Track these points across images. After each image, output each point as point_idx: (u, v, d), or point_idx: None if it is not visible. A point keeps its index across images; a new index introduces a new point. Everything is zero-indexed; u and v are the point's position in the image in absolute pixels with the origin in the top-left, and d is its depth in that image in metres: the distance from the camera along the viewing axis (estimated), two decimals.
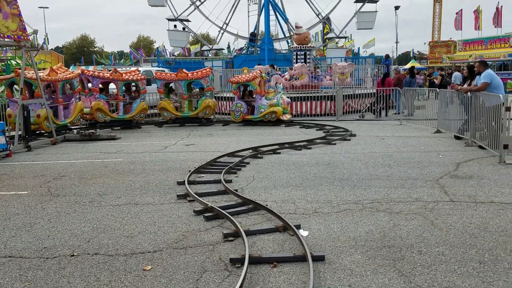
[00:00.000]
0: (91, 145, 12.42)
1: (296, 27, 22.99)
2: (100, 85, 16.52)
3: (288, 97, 17.29)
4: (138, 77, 16.62)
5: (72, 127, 15.57)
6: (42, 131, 14.05)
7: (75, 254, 4.76)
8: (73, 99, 15.45)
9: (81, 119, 16.46)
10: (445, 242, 4.86)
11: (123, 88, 16.60)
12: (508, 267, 4.21)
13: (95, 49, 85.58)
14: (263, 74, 16.97)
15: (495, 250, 4.60)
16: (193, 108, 16.95)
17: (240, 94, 16.85)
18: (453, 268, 4.21)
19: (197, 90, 17.79)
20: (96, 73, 16.44)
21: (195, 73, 16.99)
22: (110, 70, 16.96)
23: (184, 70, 17.20)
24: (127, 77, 16.41)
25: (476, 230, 5.20)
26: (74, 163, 9.80)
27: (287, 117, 16.56)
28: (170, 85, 17.65)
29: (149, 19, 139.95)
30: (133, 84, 16.93)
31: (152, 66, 27.67)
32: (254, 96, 16.51)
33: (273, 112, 16.04)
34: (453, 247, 4.72)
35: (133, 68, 20.62)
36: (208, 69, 17.20)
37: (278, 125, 16.07)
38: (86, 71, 16.55)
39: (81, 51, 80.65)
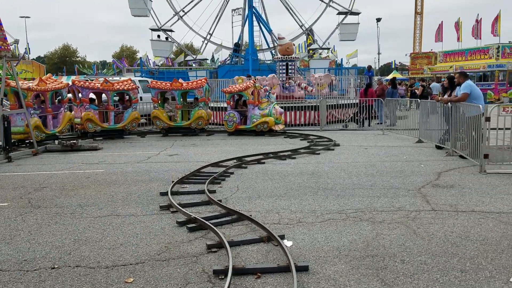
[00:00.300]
0: (72, 156, 12.28)
1: (279, 38, 23.15)
2: (93, 95, 16.56)
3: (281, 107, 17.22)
4: (130, 87, 16.52)
5: (63, 137, 15.46)
6: (31, 140, 13.89)
7: (56, 266, 4.69)
8: (62, 109, 15.45)
9: (76, 129, 16.46)
10: (427, 251, 4.90)
11: (114, 98, 16.53)
12: (490, 276, 4.25)
13: (78, 59, 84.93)
14: (257, 84, 16.86)
15: (477, 259, 4.65)
16: (188, 118, 16.90)
17: (234, 104, 16.85)
18: (435, 277, 4.25)
19: (192, 100, 17.73)
20: (85, 83, 16.33)
21: (190, 83, 16.97)
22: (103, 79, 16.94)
23: (180, 80, 17.21)
24: (118, 87, 16.33)
25: (458, 239, 5.25)
26: (55, 174, 9.68)
27: (279, 127, 16.47)
28: (166, 94, 17.61)
29: (132, 29, 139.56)
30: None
31: (135, 76, 27.50)
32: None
33: (265, 122, 15.99)
34: (435, 256, 4.76)
35: (125, 78, 20.59)
36: (203, 80, 17.14)
37: (263, 135, 16.04)
38: (76, 81, 16.43)
39: (63, 61, 80.00)
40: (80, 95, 16.26)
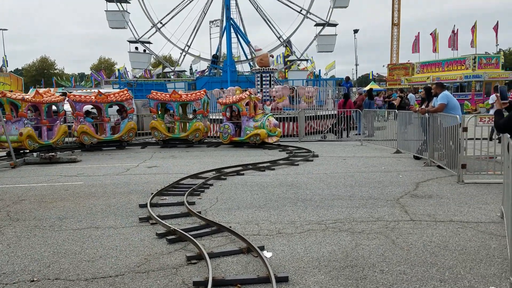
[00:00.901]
0: (51, 168, 12.11)
1: (256, 49, 23.31)
2: (91, 108, 16.88)
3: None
4: (124, 97, 16.52)
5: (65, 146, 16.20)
6: (25, 150, 14.52)
7: (35, 279, 4.61)
8: (57, 121, 15.84)
9: (76, 141, 16.58)
10: (406, 261, 4.94)
11: (109, 109, 16.57)
12: (469, 285, 4.31)
13: (56, 71, 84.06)
14: (253, 95, 16.56)
15: (455, 268, 4.71)
16: (186, 130, 16.82)
17: (229, 115, 16.63)
18: (414, 287, 4.29)
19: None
20: (79, 97, 16.29)
21: (188, 95, 16.90)
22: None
23: (180, 91, 17.19)
24: (112, 98, 16.38)
25: (437, 248, 5.32)
26: (34, 187, 9.53)
27: (273, 139, 16.04)
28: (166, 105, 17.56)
29: (110, 41, 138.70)
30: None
31: (113, 88, 27.35)
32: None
33: (257, 134, 15.70)
34: (414, 265, 4.80)
35: (115, 90, 20.67)
36: (202, 92, 17.09)
37: (259, 147, 15.85)
38: (72, 95, 16.49)
39: (41, 73, 79.16)
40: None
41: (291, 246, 5.46)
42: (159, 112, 16.95)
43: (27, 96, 14.87)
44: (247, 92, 16.86)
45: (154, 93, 16.95)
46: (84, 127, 15.80)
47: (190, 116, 17.32)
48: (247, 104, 16.11)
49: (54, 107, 16.22)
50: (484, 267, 4.74)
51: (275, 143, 16.04)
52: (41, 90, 16.24)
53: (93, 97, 16.18)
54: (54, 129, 15.71)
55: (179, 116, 16.93)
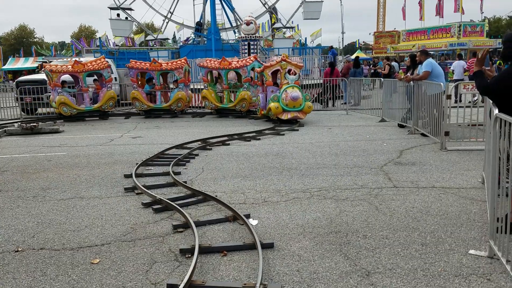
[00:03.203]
0: (33, 139, 11.99)
1: (247, 23, 22.85)
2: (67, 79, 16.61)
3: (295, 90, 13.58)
4: (101, 65, 16.20)
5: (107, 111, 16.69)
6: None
7: (19, 249, 4.61)
8: (104, 88, 16.33)
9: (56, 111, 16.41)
10: (389, 226, 5.03)
11: (86, 78, 16.35)
12: (449, 248, 4.41)
13: (35, 40, 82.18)
14: (283, 62, 13.74)
15: (437, 233, 4.81)
16: (168, 100, 16.56)
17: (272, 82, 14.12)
18: (396, 251, 4.38)
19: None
20: (56, 67, 16.00)
21: (169, 64, 16.56)
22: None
23: (161, 60, 16.87)
24: (88, 67, 16.03)
25: (419, 214, 5.41)
26: (16, 158, 9.44)
27: (289, 116, 13.44)
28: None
29: (91, 9, 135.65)
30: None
31: (94, 57, 26.84)
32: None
33: (269, 109, 13.71)
34: (397, 230, 4.90)
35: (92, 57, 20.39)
36: (183, 60, 16.74)
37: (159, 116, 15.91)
38: (48, 65, 16.31)
39: (20, 42, 77.27)
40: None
41: (277, 214, 5.52)
42: (139, 82, 16.68)
43: (55, 67, 15.83)
44: (281, 58, 14.08)
45: (133, 62, 16.67)
46: (63, 98, 15.64)
47: (171, 86, 17.11)
48: (275, 72, 13.98)
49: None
50: (464, 231, 4.84)
51: (294, 119, 13.48)
52: (83, 60, 17.07)
53: (70, 66, 15.93)
54: (100, 95, 16.29)
55: (160, 86, 16.65)
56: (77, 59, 17.87)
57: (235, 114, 16.14)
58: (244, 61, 16.14)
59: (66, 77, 16.47)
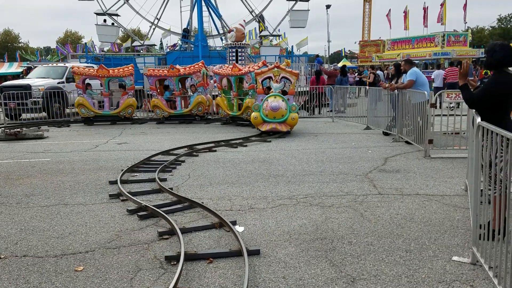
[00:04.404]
0: (17, 145, 11.86)
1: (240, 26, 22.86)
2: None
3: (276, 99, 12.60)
4: (124, 73, 16.36)
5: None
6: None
7: (2, 256, 4.55)
8: (126, 96, 16.51)
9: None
10: (373, 232, 5.07)
11: (108, 84, 16.51)
12: (433, 255, 4.45)
13: (20, 45, 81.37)
14: (275, 69, 13.06)
15: (421, 239, 4.86)
16: (188, 105, 16.47)
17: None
18: (381, 257, 4.41)
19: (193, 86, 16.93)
20: (79, 69, 16.36)
21: (187, 68, 16.46)
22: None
23: (177, 66, 16.81)
24: (112, 73, 16.30)
25: (403, 220, 5.46)
26: None
27: (266, 127, 12.63)
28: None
29: (77, 14, 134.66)
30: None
31: (80, 62, 26.68)
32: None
33: (254, 117, 12.91)
34: (381, 237, 4.93)
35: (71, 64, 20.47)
36: (200, 64, 16.59)
37: (214, 122, 15.88)
38: (75, 68, 16.59)
39: (4, 47, 76.43)
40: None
41: (263, 221, 5.53)
42: (158, 90, 16.56)
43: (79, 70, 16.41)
44: (275, 64, 13.56)
45: (151, 70, 16.64)
46: (81, 99, 16.10)
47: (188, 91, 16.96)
48: (265, 79, 13.32)
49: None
50: (448, 237, 4.90)
51: (268, 130, 12.60)
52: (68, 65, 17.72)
53: (95, 70, 16.33)
54: (120, 101, 16.55)
55: (180, 91, 16.54)
56: (101, 64, 17.93)
57: (242, 122, 15.40)
58: (193, 67, 16.38)
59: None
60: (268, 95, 12.77)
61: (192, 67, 16.50)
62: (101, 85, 16.68)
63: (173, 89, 16.77)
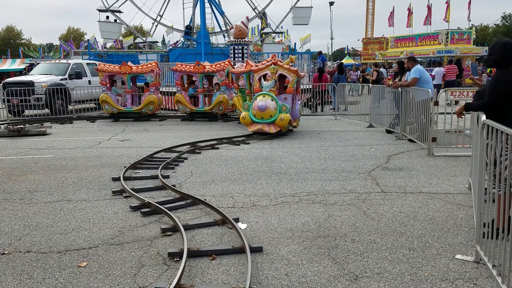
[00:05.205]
0: (20, 141, 11.88)
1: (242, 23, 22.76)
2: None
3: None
4: (145, 70, 16.35)
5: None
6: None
7: (6, 252, 4.56)
8: (147, 92, 16.42)
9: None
10: (376, 230, 5.06)
11: (130, 81, 16.55)
12: (436, 253, 4.45)
13: (22, 42, 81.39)
14: (273, 66, 12.13)
15: (424, 237, 4.85)
16: (210, 103, 16.14)
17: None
18: (384, 255, 4.40)
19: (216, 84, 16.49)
20: (103, 66, 16.47)
21: (212, 66, 16.11)
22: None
23: (206, 62, 16.57)
24: (134, 70, 16.32)
25: (406, 218, 5.45)
26: (2, 160, 9.34)
27: (253, 128, 11.94)
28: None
29: (79, 11, 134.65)
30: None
31: (82, 59, 26.66)
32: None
33: (243, 117, 12.31)
34: (384, 235, 4.93)
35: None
36: (226, 62, 16.25)
37: (232, 121, 15.75)
38: (101, 65, 16.67)
39: (7, 44, 76.46)
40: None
41: (266, 218, 5.52)
42: (185, 85, 16.46)
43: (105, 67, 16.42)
44: (271, 61, 12.34)
45: (178, 65, 16.34)
46: (105, 96, 16.27)
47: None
48: (264, 77, 12.33)
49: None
50: (451, 236, 4.89)
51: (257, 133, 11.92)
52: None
53: (118, 67, 16.33)
54: (142, 98, 16.51)
55: (203, 89, 16.26)
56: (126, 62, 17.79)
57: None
58: (218, 65, 16.00)
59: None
60: (258, 94, 12.05)
61: (217, 65, 16.03)
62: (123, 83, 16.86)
63: (197, 86, 16.45)
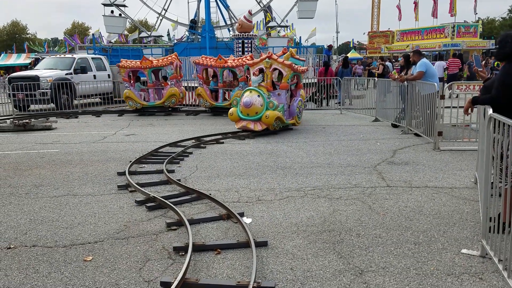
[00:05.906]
0: (26, 136, 11.92)
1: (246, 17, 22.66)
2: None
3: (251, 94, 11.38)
4: (164, 63, 16.28)
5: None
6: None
7: (12, 246, 4.59)
8: (168, 86, 16.37)
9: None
10: (382, 225, 5.05)
11: (152, 75, 16.55)
12: (442, 248, 4.43)
13: (28, 36, 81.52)
14: (267, 60, 11.48)
15: (429, 232, 4.83)
16: (230, 97, 15.66)
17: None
18: (389, 250, 4.39)
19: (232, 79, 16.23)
20: (125, 63, 16.40)
21: (235, 60, 15.59)
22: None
23: (225, 56, 16.11)
24: (154, 64, 16.27)
25: (412, 213, 5.43)
26: (8, 154, 9.38)
27: (239, 125, 11.55)
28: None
29: (84, 5, 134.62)
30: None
31: (88, 53, 26.68)
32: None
33: (230, 113, 11.92)
34: (390, 229, 4.91)
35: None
36: (248, 57, 15.25)
37: (220, 115, 15.80)
38: (123, 61, 16.60)
39: (12, 38, 76.65)
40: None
41: (271, 212, 5.52)
42: (205, 78, 16.11)
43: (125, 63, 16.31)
44: (266, 55, 11.92)
45: (204, 58, 16.01)
46: (128, 92, 16.30)
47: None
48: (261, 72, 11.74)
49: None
50: (457, 230, 4.87)
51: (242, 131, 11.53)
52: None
53: (138, 62, 16.34)
54: (163, 91, 16.46)
55: (223, 83, 15.73)
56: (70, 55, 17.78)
57: None
58: (237, 60, 15.49)
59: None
60: (246, 89, 11.73)
61: (239, 60, 15.42)
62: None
63: (218, 80, 16.04)
